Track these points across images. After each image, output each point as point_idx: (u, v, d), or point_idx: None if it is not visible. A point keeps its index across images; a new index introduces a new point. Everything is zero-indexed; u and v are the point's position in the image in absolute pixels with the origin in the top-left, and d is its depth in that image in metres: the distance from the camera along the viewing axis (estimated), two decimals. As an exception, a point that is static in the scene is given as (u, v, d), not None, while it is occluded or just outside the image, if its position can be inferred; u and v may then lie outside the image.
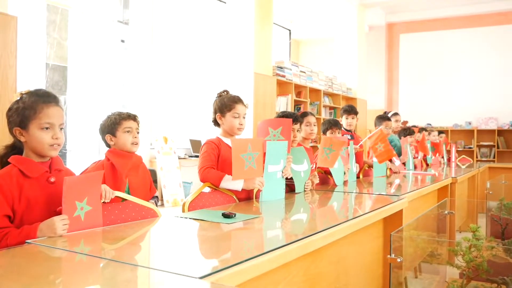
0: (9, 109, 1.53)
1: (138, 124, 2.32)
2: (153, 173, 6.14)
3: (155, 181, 6.17)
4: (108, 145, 2.30)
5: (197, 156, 7.01)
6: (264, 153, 2.29)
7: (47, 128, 1.52)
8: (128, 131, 2.24)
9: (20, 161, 1.52)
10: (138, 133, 2.29)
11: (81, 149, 5.97)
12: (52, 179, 1.55)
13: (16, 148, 1.59)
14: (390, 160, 4.21)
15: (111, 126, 2.24)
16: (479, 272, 2.18)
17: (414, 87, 10.75)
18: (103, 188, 1.67)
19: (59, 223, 1.39)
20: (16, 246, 1.32)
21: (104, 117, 2.30)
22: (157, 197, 2.40)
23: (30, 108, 1.50)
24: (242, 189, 2.28)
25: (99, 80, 6.24)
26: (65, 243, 1.34)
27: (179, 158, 6.64)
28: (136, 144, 2.27)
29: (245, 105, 2.47)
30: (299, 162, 2.70)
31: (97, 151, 6.11)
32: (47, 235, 1.39)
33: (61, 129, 1.56)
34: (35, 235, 1.39)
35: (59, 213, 1.46)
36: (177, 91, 7.25)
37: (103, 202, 1.66)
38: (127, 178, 2.18)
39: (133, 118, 2.29)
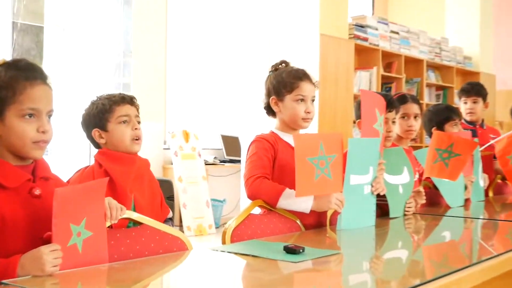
0: None
1: (137, 110, 2.36)
2: (167, 185, 6.23)
3: (170, 198, 6.27)
4: (96, 145, 2.36)
5: (232, 161, 7.08)
6: (345, 156, 2.30)
7: (30, 116, 1.57)
8: (124, 121, 2.28)
9: (-9, 164, 1.58)
10: (139, 123, 2.34)
11: (64, 149, 6.14)
12: (37, 191, 1.60)
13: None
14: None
15: (99, 116, 2.28)
16: None
17: None
18: (107, 204, 1.71)
19: (48, 256, 1.43)
20: (-14, 289, 1.38)
21: (87, 104, 2.36)
22: (171, 219, 2.45)
23: (7, 86, 1.55)
24: (311, 211, 2.29)
25: (90, 49, 6.41)
26: (56, 286, 1.38)
27: (206, 164, 6.73)
28: (138, 139, 2.31)
29: (314, 84, 2.48)
30: (396, 170, 2.68)
31: (87, 153, 6.27)
32: (32, 273, 1.43)
33: (49, 117, 1.61)
34: (14, 272, 1.44)
35: (48, 241, 1.50)
36: (202, 64, 7.35)
37: (108, 227, 1.70)
38: (132, 193, 2.23)
39: (129, 101, 2.33)
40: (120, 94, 2.36)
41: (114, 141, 2.28)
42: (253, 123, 7.18)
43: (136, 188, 2.26)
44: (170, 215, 2.43)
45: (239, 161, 6.87)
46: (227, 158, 7.10)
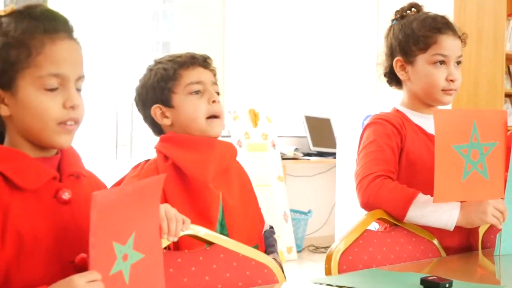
0: None
1: (215, 75, 2.38)
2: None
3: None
4: (158, 130, 2.39)
5: (322, 155, 7.11)
6: (509, 146, 2.26)
7: (52, 90, 1.58)
8: (197, 91, 2.30)
9: (1, 156, 1.59)
10: (218, 94, 2.35)
11: (83, 138, 6.25)
12: (66, 195, 1.61)
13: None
14: None
15: (160, 86, 2.30)
16: None
17: None
18: (163, 213, 1.72)
19: None
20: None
21: (141, 72, 2.38)
22: (272, 229, 2.48)
23: (19, 44, 1.56)
24: (457, 228, 2.26)
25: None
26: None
27: (283, 158, 6.74)
28: (218, 117, 2.33)
29: (459, 37, 2.48)
30: None
31: (113, 141, 6.38)
32: (61, 311, 1.46)
33: (79, 87, 1.62)
34: (36, 310, 1.46)
35: (82, 267, 1.51)
36: (276, 14, 7.36)
37: (165, 248, 1.70)
38: (219, 190, 2.26)
39: (202, 62, 2.34)
40: (187, 52, 2.37)
41: (183, 119, 2.30)
42: (353, 99, 7.13)
43: (222, 185, 2.29)
44: (266, 226, 2.45)
45: (332, 155, 6.86)
46: (314, 150, 7.12)
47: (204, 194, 2.21)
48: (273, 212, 6.46)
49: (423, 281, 1.74)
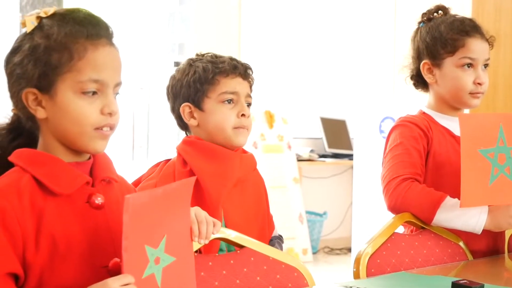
0: (13, 51, 1.61)
1: (251, 86, 2.36)
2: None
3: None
4: (183, 125, 2.39)
5: (337, 156, 7.10)
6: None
7: (93, 94, 1.58)
8: (229, 100, 2.29)
9: (35, 161, 1.59)
10: (249, 105, 2.34)
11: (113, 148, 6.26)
12: (99, 200, 1.61)
13: (21, 134, 1.67)
14: None
15: (196, 87, 2.29)
16: None
17: None
18: (193, 215, 1.71)
19: (117, 291, 1.45)
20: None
21: (179, 64, 2.38)
22: (280, 239, 2.45)
23: (61, 48, 1.57)
24: (484, 231, 2.25)
25: None
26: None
27: (299, 160, 6.74)
28: (245, 128, 2.31)
29: (487, 40, 2.50)
30: None
31: (130, 143, 6.37)
32: (96, 314, 1.45)
33: (116, 94, 1.62)
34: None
35: (115, 271, 1.51)
36: (292, 16, 7.35)
37: (196, 251, 1.70)
38: (223, 206, 2.24)
39: (243, 72, 2.33)
40: (230, 58, 2.35)
41: (210, 126, 2.29)
42: (369, 101, 7.11)
43: (232, 197, 2.27)
44: (275, 232, 2.44)
45: (347, 156, 6.87)
46: (330, 151, 7.12)
47: (210, 210, 2.19)
48: (289, 213, 6.45)
49: (455, 285, 1.74)
